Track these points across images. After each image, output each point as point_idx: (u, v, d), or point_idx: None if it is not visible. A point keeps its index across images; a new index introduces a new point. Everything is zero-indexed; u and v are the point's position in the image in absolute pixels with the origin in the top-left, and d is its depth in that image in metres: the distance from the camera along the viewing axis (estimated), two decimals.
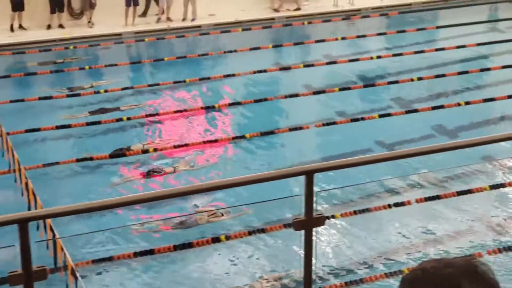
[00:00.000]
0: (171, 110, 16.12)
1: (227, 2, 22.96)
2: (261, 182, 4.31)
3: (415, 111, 15.89)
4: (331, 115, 15.84)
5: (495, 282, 2.16)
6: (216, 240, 11.36)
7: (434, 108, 15.94)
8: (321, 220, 4.25)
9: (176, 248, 11.21)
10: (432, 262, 2.19)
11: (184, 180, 12.91)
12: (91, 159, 13.78)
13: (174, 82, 17.68)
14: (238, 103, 16.50)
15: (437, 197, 12.14)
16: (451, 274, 2.12)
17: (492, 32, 21.94)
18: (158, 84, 17.55)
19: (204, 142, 14.68)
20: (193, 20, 22.28)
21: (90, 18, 21.83)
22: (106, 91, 17.14)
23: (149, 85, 17.49)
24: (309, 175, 4.19)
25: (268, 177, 4.34)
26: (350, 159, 4.46)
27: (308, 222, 4.22)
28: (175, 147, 14.42)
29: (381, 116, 15.65)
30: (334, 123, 15.39)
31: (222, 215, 11.78)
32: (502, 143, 12.26)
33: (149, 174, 13.26)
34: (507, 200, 12.28)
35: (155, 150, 14.22)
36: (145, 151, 14.13)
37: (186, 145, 14.43)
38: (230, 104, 16.46)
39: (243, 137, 14.78)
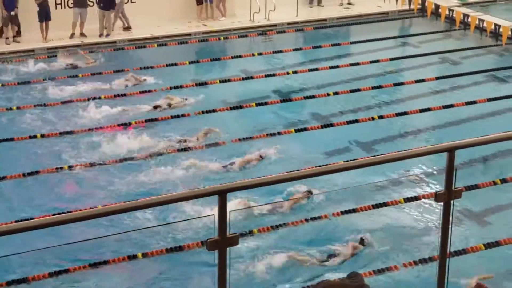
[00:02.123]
0: (85, 128, 15.82)
1: (142, 17, 22.76)
2: (174, 202, 4.24)
3: (331, 125, 16.08)
4: (248, 130, 15.85)
5: None
6: (133, 257, 11.23)
7: (349, 122, 16.16)
8: (234, 240, 4.19)
9: (91, 266, 11.03)
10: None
11: None
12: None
13: (89, 99, 17.37)
14: (155, 119, 16.34)
15: (353, 211, 12.30)
16: None
17: (405, 47, 22.43)
18: (71, 101, 17.23)
19: (121, 160, 14.47)
20: (107, 35, 22.00)
21: (14, 36, 21.41)
22: (18, 108, 16.78)
23: (62, 102, 17.15)
24: (221, 195, 4.14)
25: (181, 197, 4.27)
26: (262, 178, 4.41)
27: (222, 242, 4.16)
28: (89, 165, 14.16)
29: (297, 130, 15.76)
30: (251, 138, 15.42)
31: None
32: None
33: None
34: (421, 211, 12.51)
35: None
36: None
37: (92, 164, 14.16)
38: (147, 121, 16.27)
39: (160, 154, 14.65)
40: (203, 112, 16.72)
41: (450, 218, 4.60)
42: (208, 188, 4.24)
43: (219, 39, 22.48)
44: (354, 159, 12.45)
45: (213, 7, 24.16)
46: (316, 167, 12.20)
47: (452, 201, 4.61)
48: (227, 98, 17.65)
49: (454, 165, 4.60)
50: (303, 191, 12.72)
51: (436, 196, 4.60)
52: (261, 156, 14.37)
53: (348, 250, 11.19)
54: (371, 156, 13.02)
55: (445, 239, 4.64)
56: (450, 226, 4.64)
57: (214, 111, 16.78)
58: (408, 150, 4.80)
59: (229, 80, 18.90)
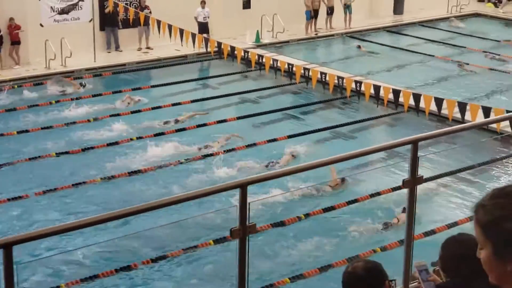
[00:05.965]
0: None
1: None
2: None
3: (140, 171, 15.84)
4: (55, 182, 15.28)
5: None
6: None
7: (157, 167, 16.02)
8: None
9: None
10: None
11: None
12: None
13: None
14: None
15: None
16: None
17: (205, 88, 22.80)
18: None
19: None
20: None
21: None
22: None
23: None
24: (6, 248, 3.94)
25: None
26: (50, 228, 4.20)
27: None
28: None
29: (103, 179, 15.45)
30: (56, 189, 14.92)
31: None
32: None
33: None
34: None
35: None
36: None
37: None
38: None
39: None
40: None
41: (246, 254, 4.61)
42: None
43: (13, 87, 21.62)
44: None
45: (6, 56, 23.31)
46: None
47: (247, 237, 4.63)
48: (25, 149, 16.96)
49: (247, 200, 4.62)
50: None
51: (232, 233, 4.60)
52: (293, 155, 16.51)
53: None
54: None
55: (242, 274, 4.64)
56: (246, 263, 4.65)
57: (9, 163, 16.05)
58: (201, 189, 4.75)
59: (27, 131, 18.16)
